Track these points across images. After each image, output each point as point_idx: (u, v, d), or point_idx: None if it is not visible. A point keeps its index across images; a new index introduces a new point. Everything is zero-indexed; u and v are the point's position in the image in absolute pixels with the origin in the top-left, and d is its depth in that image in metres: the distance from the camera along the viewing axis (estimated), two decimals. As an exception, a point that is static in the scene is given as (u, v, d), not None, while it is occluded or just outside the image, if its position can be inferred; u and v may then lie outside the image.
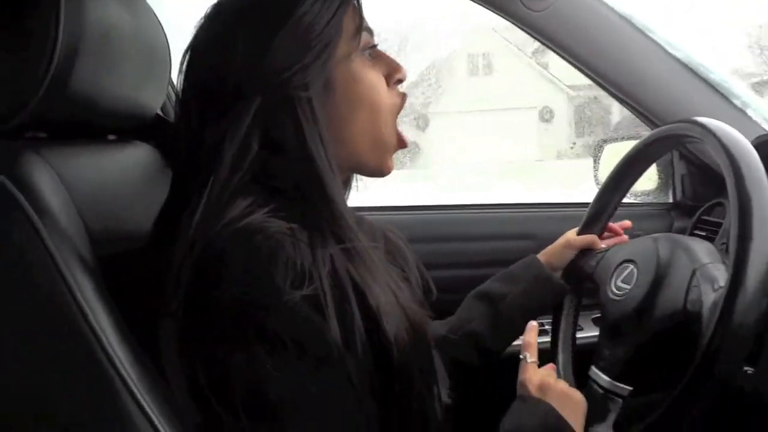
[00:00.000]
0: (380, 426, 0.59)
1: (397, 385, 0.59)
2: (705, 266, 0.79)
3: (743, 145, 0.71)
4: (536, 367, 0.77)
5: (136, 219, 0.76)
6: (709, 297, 0.75)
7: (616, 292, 0.87)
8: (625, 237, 1.02)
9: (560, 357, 0.94)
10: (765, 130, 1.23)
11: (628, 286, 0.85)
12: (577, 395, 0.76)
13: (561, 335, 0.97)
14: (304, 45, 0.62)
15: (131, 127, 0.85)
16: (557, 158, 6.08)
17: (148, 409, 0.54)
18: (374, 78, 0.67)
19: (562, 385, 0.76)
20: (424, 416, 0.63)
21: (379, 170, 0.71)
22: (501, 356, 0.97)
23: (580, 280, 0.99)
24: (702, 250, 0.82)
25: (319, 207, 0.61)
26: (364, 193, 0.79)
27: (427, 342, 0.64)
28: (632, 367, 0.81)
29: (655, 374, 0.80)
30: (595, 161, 1.56)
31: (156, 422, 0.53)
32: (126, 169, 0.83)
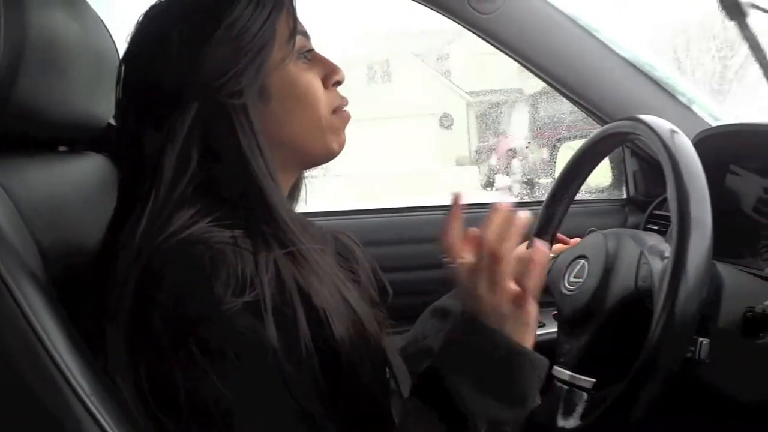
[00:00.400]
0: (333, 426, 0.59)
1: (346, 384, 0.59)
2: (651, 246, 0.82)
3: (682, 141, 0.73)
4: (468, 269, 0.59)
5: (89, 231, 0.75)
6: (658, 266, 0.77)
7: (569, 287, 0.89)
8: (574, 241, 1.03)
9: None
10: (709, 125, 1.27)
11: (581, 279, 0.87)
12: (512, 306, 0.58)
13: None
14: (236, 50, 0.62)
15: (83, 137, 0.84)
16: (456, 164, 6.15)
17: (102, 421, 0.53)
18: (310, 81, 0.67)
19: (496, 297, 0.56)
20: (378, 414, 0.63)
21: (331, 153, 0.70)
22: None
23: None
24: (648, 237, 0.85)
25: (260, 214, 0.61)
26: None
27: (378, 340, 0.64)
28: (592, 358, 0.82)
29: (616, 363, 0.79)
30: (551, 159, 1.60)
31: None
32: (78, 180, 0.81)
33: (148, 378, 0.54)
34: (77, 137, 0.83)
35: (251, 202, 0.62)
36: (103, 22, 0.86)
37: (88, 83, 0.79)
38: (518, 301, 0.57)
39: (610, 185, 1.51)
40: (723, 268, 0.83)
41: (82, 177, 0.83)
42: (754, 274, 0.91)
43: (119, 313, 0.55)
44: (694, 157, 0.72)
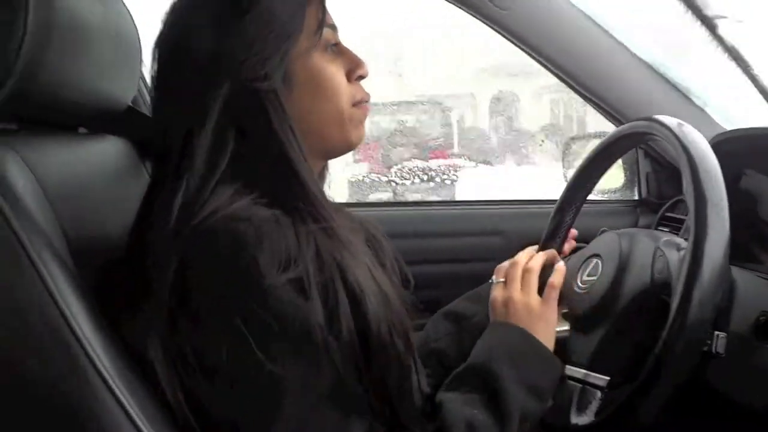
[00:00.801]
0: (366, 401, 0.60)
1: (375, 366, 0.60)
2: (666, 240, 0.82)
3: (700, 143, 0.73)
4: (502, 285, 0.82)
5: (106, 213, 0.75)
6: (675, 257, 0.77)
7: (582, 286, 0.89)
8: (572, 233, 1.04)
9: None
10: (723, 128, 1.27)
11: (594, 278, 0.87)
12: (539, 304, 0.79)
13: None
14: (265, 35, 0.63)
15: (102, 119, 0.84)
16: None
17: (125, 403, 0.53)
18: (334, 73, 0.68)
19: (526, 298, 0.79)
20: (404, 399, 0.64)
21: (349, 146, 0.72)
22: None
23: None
24: (662, 234, 0.85)
25: (295, 192, 0.62)
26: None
27: (406, 324, 0.65)
28: (606, 356, 0.82)
29: (631, 361, 0.80)
30: (564, 159, 1.60)
31: (138, 422, 0.53)
32: (97, 162, 0.82)
33: (193, 357, 0.56)
34: (97, 120, 0.83)
35: (286, 181, 0.63)
36: (125, 5, 0.86)
37: (110, 66, 0.79)
38: (546, 300, 0.78)
39: (623, 186, 1.50)
40: (737, 273, 0.83)
41: (101, 159, 0.83)
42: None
43: (160, 293, 0.56)
44: (711, 156, 0.72)
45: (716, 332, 0.74)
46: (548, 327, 0.77)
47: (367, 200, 1.44)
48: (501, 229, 1.38)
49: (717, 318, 0.74)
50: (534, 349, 0.73)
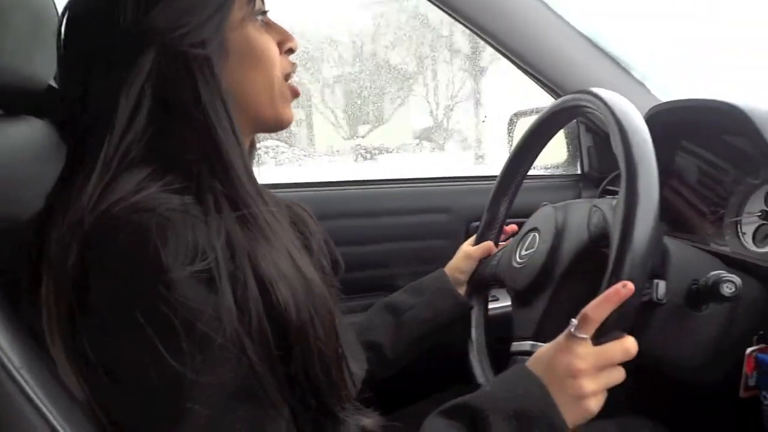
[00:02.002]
0: (288, 391, 0.58)
1: (296, 353, 0.58)
2: (601, 199, 0.83)
3: (630, 111, 0.73)
4: (582, 344, 0.65)
5: (24, 199, 0.72)
6: (609, 207, 0.78)
7: (520, 261, 0.90)
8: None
9: (476, 365, 0.95)
10: (660, 100, 1.29)
11: (532, 250, 0.87)
12: (593, 397, 0.65)
13: (474, 345, 0.98)
14: (197, 2, 0.61)
15: (20, 100, 0.80)
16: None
17: (33, 396, 0.51)
18: (267, 42, 0.68)
19: (588, 383, 0.65)
20: (333, 386, 0.62)
21: (280, 122, 0.71)
22: (396, 368, 0.98)
23: (485, 285, 1.02)
24: (598, 200, 0.85)
25: (217, 171, 0.60)
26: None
27: (329, 307, 0.63)
28: (551, 323, 0.82)
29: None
30: (509, 132, 1.60)
31: (43, 409, 0.51)
32: (15, 145, 0.78)
33: (93, 350, 0.52)
34: (13, 100, 0.79)
35: (208, 158, 0.60)
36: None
37: (24, 43, 0.75)
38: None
39: (566, 161, 1.53)
40: (670, 242, 0.85)
41: (20, 142, 0.79)
42: (700, 248, 0.94)
43: (60, 287, 0.53)
44: (643, 127, 0.72)
45: (655, 280, 0.75)
46: (579, 412, 0.64)
47: (310, 181, 1.41)
48: (447, 206, 1.38)
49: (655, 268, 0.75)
50: (548, 420, 0.62)
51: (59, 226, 0.55)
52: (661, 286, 0.75)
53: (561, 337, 0.66)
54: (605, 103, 0.75)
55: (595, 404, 0.64)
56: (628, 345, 0.65)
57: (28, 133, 0.81)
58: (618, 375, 0.66)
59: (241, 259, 0.56)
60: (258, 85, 0.67)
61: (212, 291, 0.53)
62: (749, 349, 0.81)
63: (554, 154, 1.56)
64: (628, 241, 0.65)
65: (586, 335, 0.64)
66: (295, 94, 0.72)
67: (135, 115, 0.59)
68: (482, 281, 1.01)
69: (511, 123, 1.58)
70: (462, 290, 1.01)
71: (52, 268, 0.54)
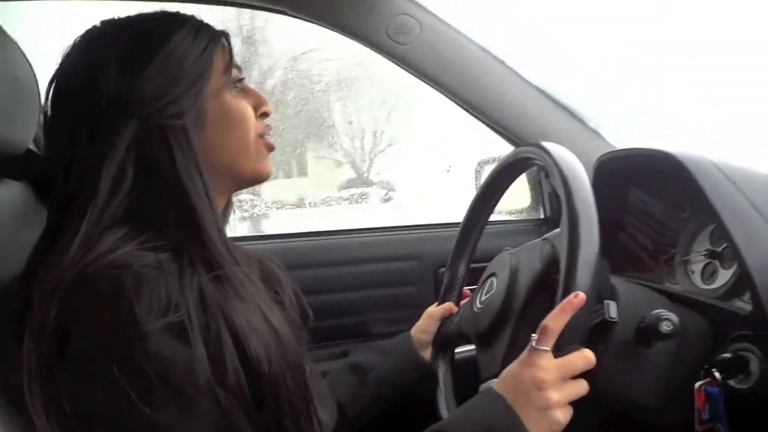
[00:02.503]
0: None
1: (268, 405, 0.61)
2: (553, 233, 0.87)
3: (573, 164, 0.78)
4: (544, 356, 0.68)
5: (5, 258, 0.74)
6: (557, 236, 0.80)
7: (480, 305, 0.93)
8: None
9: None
10: (615, 147, 1.36)
11: (491, 293, 0.91)
12: (562, 412, 0.68)
13: (443, 402, 1.00)
14: (176, 76, 0.66)
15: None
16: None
17: None
18: (245, 107, 0.73)
19: (554, 395, 0.67)
20: (300, 428, 0.64)
21: (259, 176, 0.76)
22: (358, 424, 0.99)
23: (451, 343, 1.04)
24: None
25: (191, 234, 0.63)
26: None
27: (300, 361, 0.66)
28: (514, 357, 0.82)
29: None
30: (476, 181, 1.66)
31: None
32: None
33: (69, 404, 0.55)
34: None
35: (183, 222, 0.64)
36: (21, 50, 0.86)
37: (5, 110, 0.79)
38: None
39: (529, 206, 1.58)
40: (618, 282, 0.89)
41: None
42: (652, 287, 0.98)
43: (41, 339, 0.56)
44: (584, 177, 0.77)
45: (605, 300, 0.80)
46: (548, 424, 0.66)
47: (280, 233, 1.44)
48: (417, 253, 1.42)
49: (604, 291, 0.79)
50: None
51: (42, 283, 0.58)
52: (612, 306, 0.79)
53: (524, 354, 0.69)
54: (550, 155, 0.81)
55: (562, 415, 0.67)
56: (588, 354, 0.69)
57: (6, 196, 0.84)
58: (581, 387, 0.69)
59: (215, 313, 0.59)
60: (236, 147, 0.72)
61: (186, 343, 0.56)
62: (698, 384, 0.84)
63: (519, 200, 1.62)
64: (574, 262, 0.70)
65: (547, 347, 0.68)
66: (270, 148, 0.77)
67: (118, 182, 0.63)
68: (447, 339, 1.04)
69: (477, 172, 1.64)
70: (427, 352, 1.03)
71: (35, 324, 0.56)
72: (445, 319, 1.05)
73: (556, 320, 0.68)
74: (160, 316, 0.55)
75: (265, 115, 0.77)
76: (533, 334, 0.69)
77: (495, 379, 0.83)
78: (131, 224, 0.62)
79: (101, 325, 0.55)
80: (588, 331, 0.70)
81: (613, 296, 0.85)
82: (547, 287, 0.83)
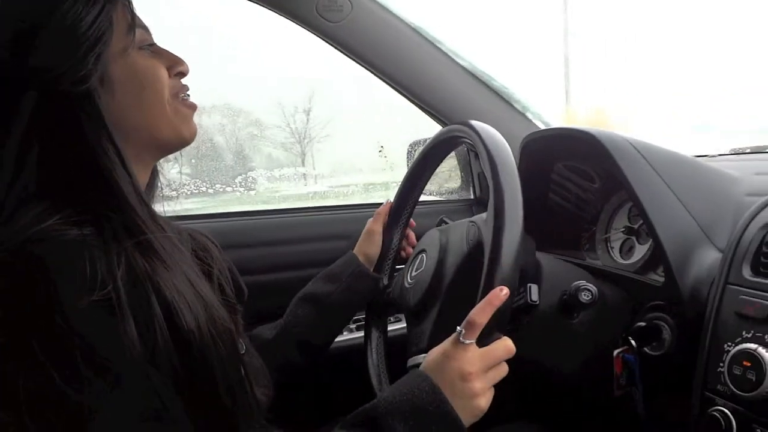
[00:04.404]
0: (193, 412, 0.60)
1: (199, 372, 0.60)
2: (478, 216, 0.90)
3: (500, 143, 0.80)
4: (469, 349, 0.70)
5: None
6: (482, 220, 0.82)
7: (410, 281, 0.95)
8: (413, 240, 1.11)
9: (377, 387, 0.98)
10: (540, 127, 1.40)
11: (421, 269, 0.93)
12: (482, 391, 0.70)
13: (375, 368, 1.02)
14: (72, 40, 0.63)
15: None
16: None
17: None
18: (154, 67, 0.70)
19: (477, 382, 0.69)
20: (236, 403, 0.64)
21: (182, 139, 0.73)
22: (325, 351, 1.02)
23: (384, 311, 1.07)
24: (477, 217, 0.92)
25: (111, 203, 0.62)
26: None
27: (229, 333, 0.65)
28: (442, 333, 0.84)
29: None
30: (408, 162, 1.67)
31: None
32: None
33: None
34: None
35: (101, 192, 0.62)
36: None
37: None
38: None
39: (459, 187, 1.61)
40: (542, 257, 0.93)
41: None
42: (573, 262, 1.03)
43: None
44: (508, 154, 0.79)
45: (528, 284, 0.83)
46: (472, 411, 0.69)
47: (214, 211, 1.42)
48: (348, 233, 1.42)
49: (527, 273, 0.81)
50: (442, 413, 0.67)
51: None
52: (534, 289, 0.82)
53: (448, 344, 0.70)
54: (477, 134, 0.83)
55: (485, 402, 0.69)
56: (509, 344, 0.71)
57: None
58: (502, 370, 0.72)
59: (144, 285, 0.58)
60: (151, 109, 0.70)
61: (113, 318, 0.55)
62: (616, 351, 0.89)
63: (449, 181, 1.65)
64: (497, 251, 0.71)
65: (472, 340, 0.69)
66: (192, 108, 0.75)
67: (23, 157, 0.60)
68: (380, 307, 1.06)
69: (409, 153, 1.66)
70: (371, 268, 1.06)
71: None
72: (380, 290, 1.06)
73: (481, 314, 0.69)
74: (85, 293, 0.54)
75: (181, 74, 0.74)
76: (458, 327, 0.70)
77: (423, 355, 0.86)
78: (49, 199, 0.60)
79: (22, 305, 0.53)
80: (508, 318, 0.72)
81: (536, 277, 0.88)
82: (473, 269, 0.84)
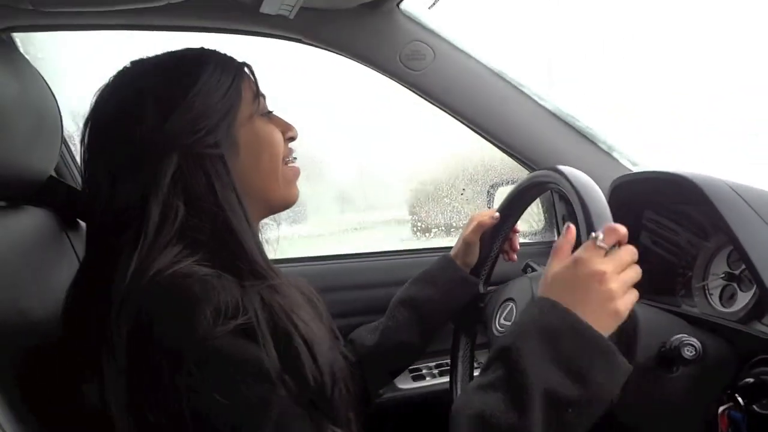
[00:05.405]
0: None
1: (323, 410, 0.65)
2: None
3: (590, 185, 0.79)
4: (597, 252, 0.69)
5: (24, 287, 0.76)
6: None
7: (500, 329, 0.94)
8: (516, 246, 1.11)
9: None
10: (629, 169, 1.37)
11: (509, 322, 0.91)
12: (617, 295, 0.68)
13: (459, 377, 1.02)
14: (208, 109, 0.71)
15: (21, 191, 0.85)
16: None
17: None
18: (273, 132, 0.78)
19: (566, 261, 0.70)
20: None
21: (287, 202, 0.81)
22: (422, 353, 1.03)
23: (473, 322, 1.06)
24: None
25: (235, 253, 0.68)
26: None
27: (345, 371, 0.71)
28: None
29: None
30: (488, 205, 1.67)
31: None
32: (16, 234, 0.82)
33: (153, 414, 0.58)
34: (16, 191, 0.84)
35: (228, 244, 0.68)
36: (44, 80, 0.88)
37: (27, 139, 0.81)
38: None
39: (543, 228, 1.59)
40: (638, 307, 0.89)
41: (20, 231, 0.84)
42: (669, 311, 0.98)
43: (117, 355, 0.59)
44: (601, 197, 0.77)
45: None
46: (610, 316, 0.67)
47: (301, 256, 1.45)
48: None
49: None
50: (570, 325, 0.65)
51: (98, 306, 0.62)
52: None
53: (579, 252, 0.69)
54: (566, 178, 0.82)
55: (623, 305, 0.68)
56: (632, 248, 0.71)
57: (30, 222, 0.86)
58: (636, 272, 0.71)
59: (280, 316, 0.64)
60: (267, 171, 0.77)
61: (256, 344, 0.60)
62: (721, 408, 0.84)
63: (532, 223, 1.63)
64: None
65: (611, 244, 0.69)
66: (297, 173, 0.82)
67: (167, 211, 0.67)
68: (471, 317, 1.06)
69: (489, 194, 1.65)
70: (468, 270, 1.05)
71: (107, 344, 0.60)
72: (471, 305, 1.05)
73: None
74: (229, 319, 0.59)
75: (291, 139, 0.82)
76: (593, 233, 0.69)
77: None
78: (182, 244, 0.66)
79: (173, 333, 0.59)
80: None
81: (635, 321, 0.85)
82: None
